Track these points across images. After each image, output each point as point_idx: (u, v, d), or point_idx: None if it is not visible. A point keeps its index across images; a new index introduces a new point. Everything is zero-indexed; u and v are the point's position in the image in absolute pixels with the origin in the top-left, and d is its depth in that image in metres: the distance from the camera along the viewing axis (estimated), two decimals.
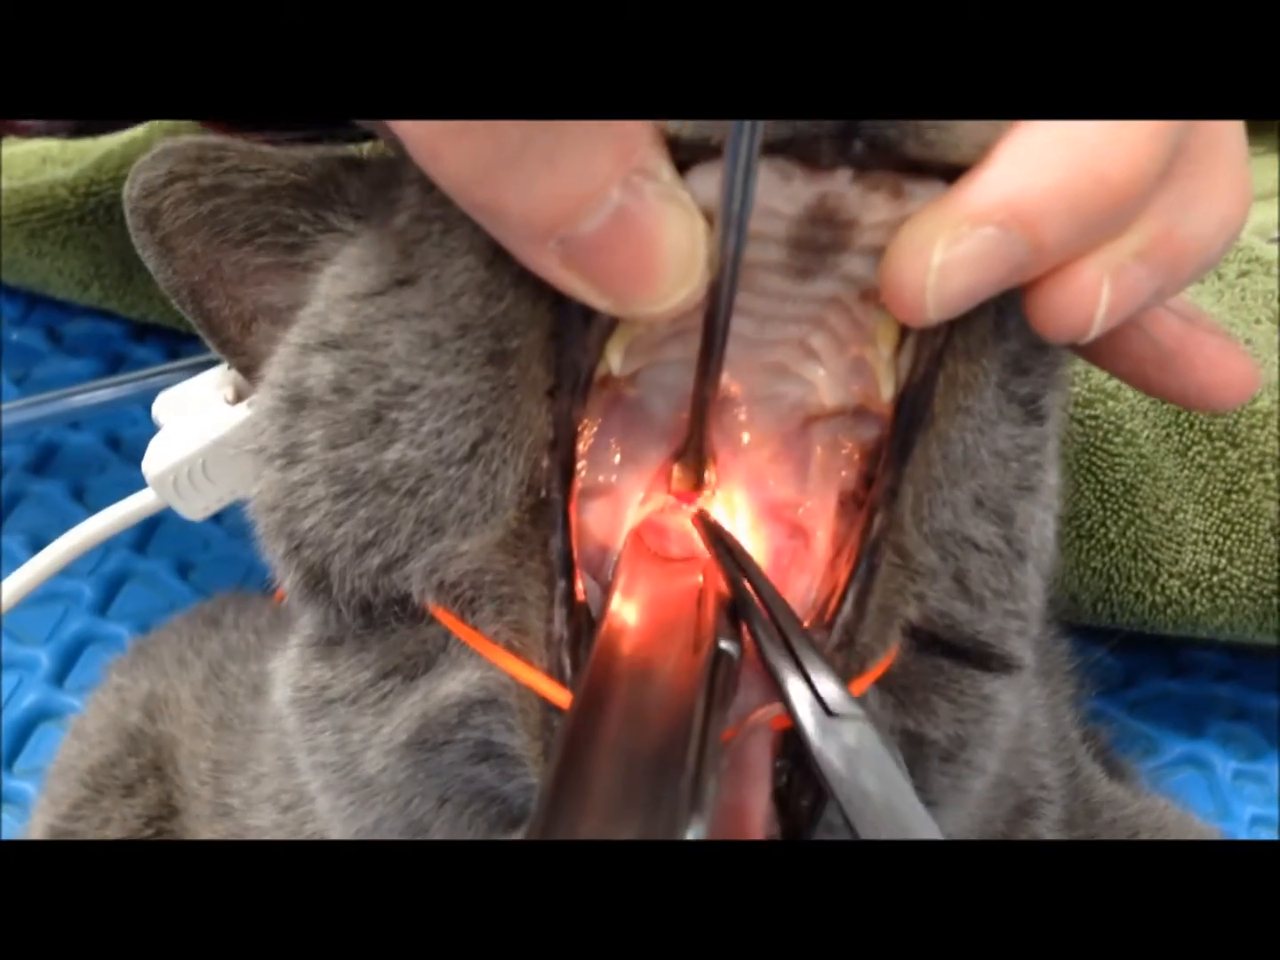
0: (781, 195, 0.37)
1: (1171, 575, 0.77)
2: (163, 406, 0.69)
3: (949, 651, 0.45)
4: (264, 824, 0.60)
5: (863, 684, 0.42)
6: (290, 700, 0.47)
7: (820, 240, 0.38)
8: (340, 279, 0.46)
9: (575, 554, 0.42)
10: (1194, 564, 0.77)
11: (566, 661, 0.41)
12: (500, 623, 0.42)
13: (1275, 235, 1.04)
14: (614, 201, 0.35)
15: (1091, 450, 0.77)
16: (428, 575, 0.42)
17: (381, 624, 0.44)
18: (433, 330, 0.42)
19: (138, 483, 0.74)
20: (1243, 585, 0.76)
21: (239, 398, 0.66)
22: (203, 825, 0.66)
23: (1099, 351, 0.45)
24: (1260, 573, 0.76)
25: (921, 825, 0.35)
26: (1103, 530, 0.77)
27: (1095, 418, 0.77)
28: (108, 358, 1.06)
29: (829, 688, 0.37)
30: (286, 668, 0.48)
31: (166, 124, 0.89)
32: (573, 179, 0.34)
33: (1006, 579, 0.45)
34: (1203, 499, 0.77)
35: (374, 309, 0.43)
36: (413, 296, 0.43)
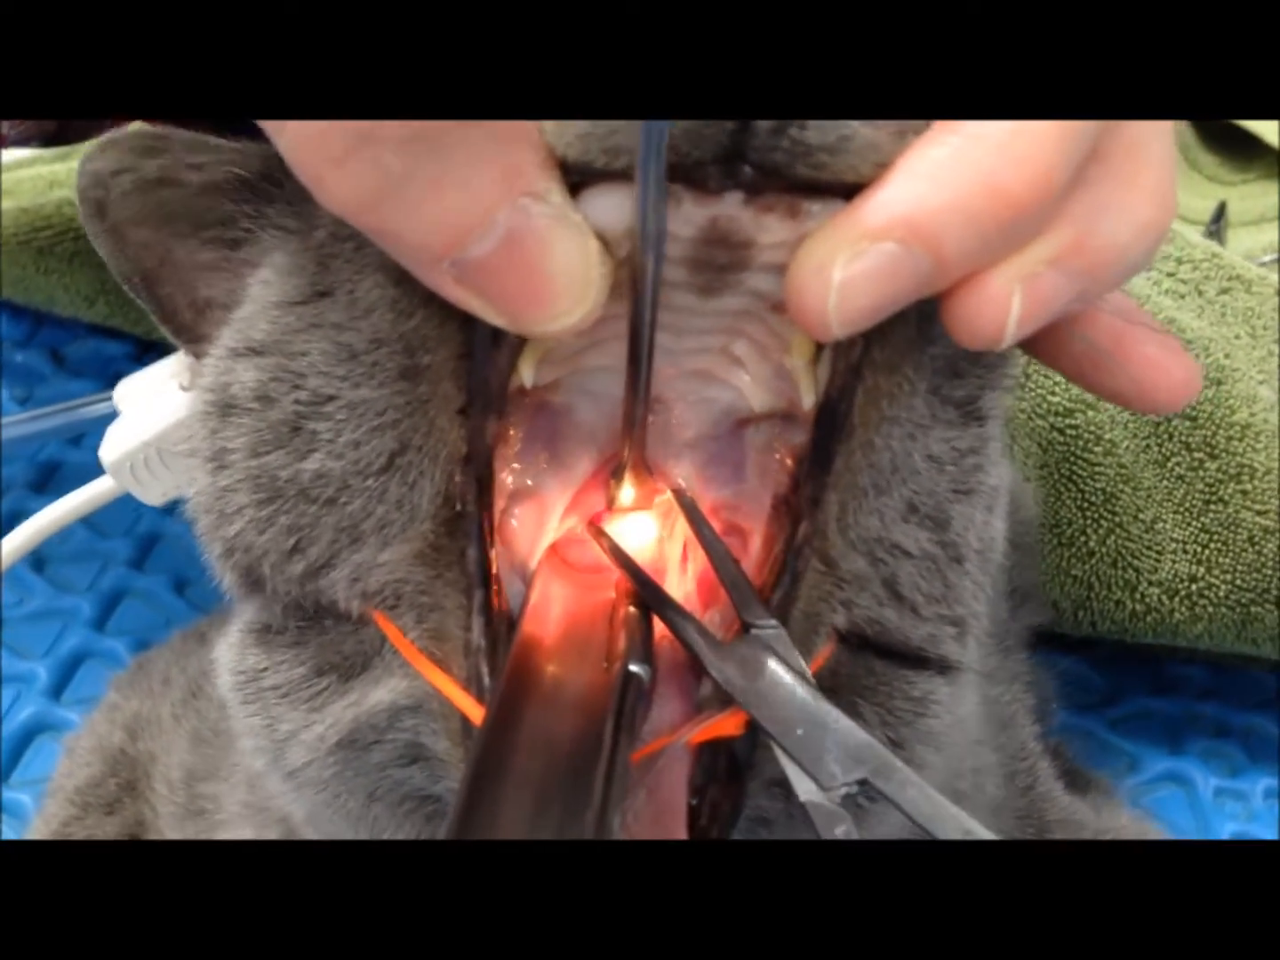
0: (673, 218, 0.37)
1: (1151, 583, 0.78)
2: (123, 393, 0.70)
3: (882, 653, 0.45)
4: (233, 809, 0.61)
5: None
6: (229, 685, 0.48)
7: (719, 260, 0.38)
8: (267, 285, 0.47)
9: (493, 565, 0.42)
10: (1173, 572, 0.77)
11: (485, 670, 0.41)
12: (419, 629, 0.43)
13: (1268, 258, 1.06)
14: (502, 225, 0.35)
15: (1072, 459, 0.78)
16: (350, 584, 0.43)
17: (317, 622, 0.45)
18: (348, 342, 0.42)
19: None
20: (1221, 594, 0.77)
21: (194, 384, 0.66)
22: (172, 827, 0.67)
23: (1040, 349, 0.45)
24: (1238, 582, 0.76)
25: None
26: (1083, 538, 0.78)
27: (1075, 427, 0.77)
28: (110, 379, 1.05)
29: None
30: (227, 653, 0.48)
31: None
32: (458, 205, 0.35)
33: (940, 583, 0.45)
34: (1182, 509, 0.77)
35: (294, 318, 0.44)
36: (330, 308, 0.43)
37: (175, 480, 0.68)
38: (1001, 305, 0.37)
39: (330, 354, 0.43)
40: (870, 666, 0.45)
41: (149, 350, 1.07)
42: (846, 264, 0.36)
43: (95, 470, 0.99)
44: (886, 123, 0.37)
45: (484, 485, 0.43)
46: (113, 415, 0.94)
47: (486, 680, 0.41)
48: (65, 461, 1.02)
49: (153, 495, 0.69)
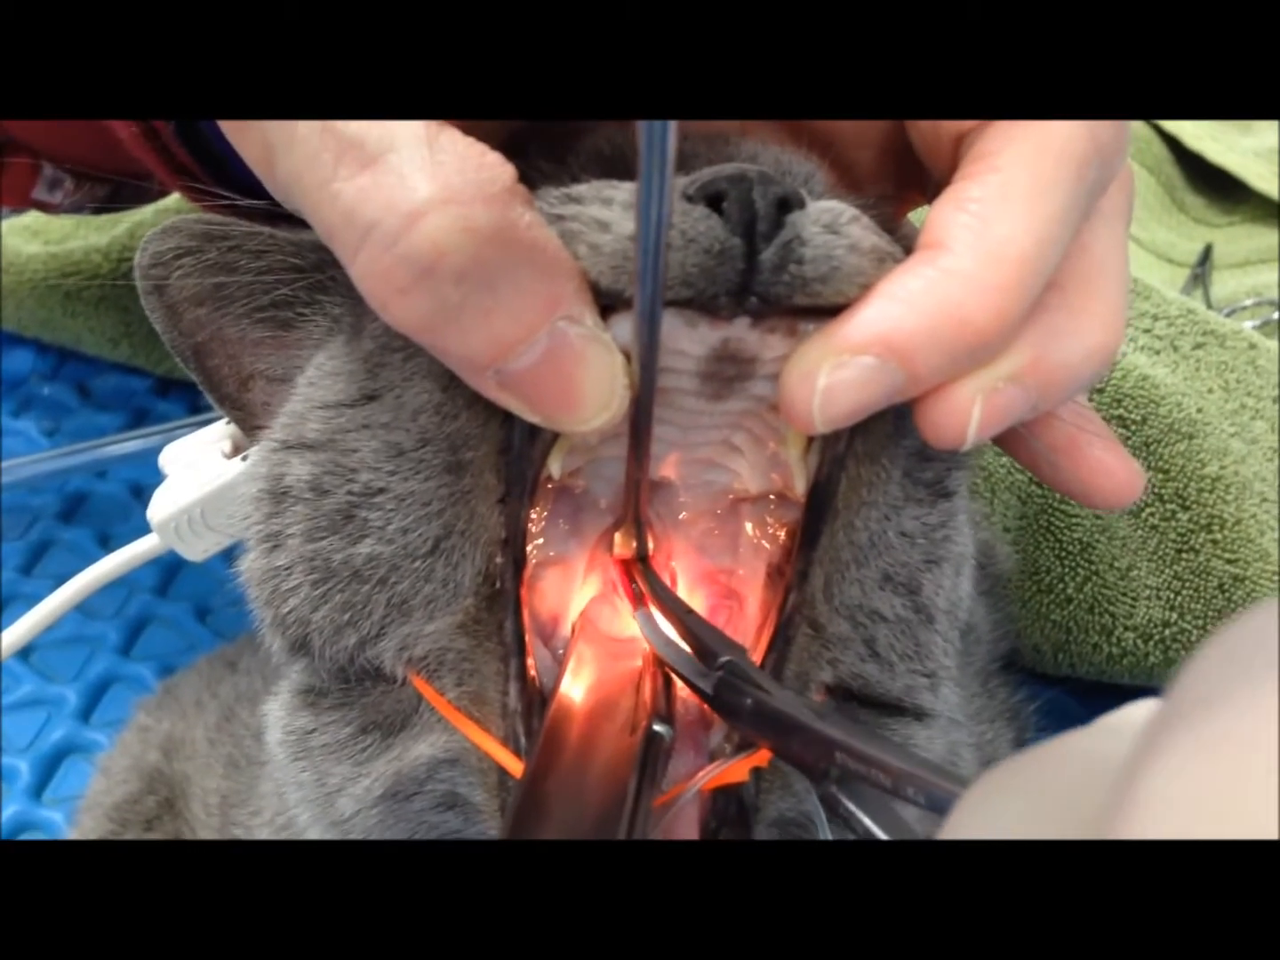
0: (688, 339, 0.43)
1: (1126, 629, 0.81)
2: (168, 458, 0.74)
3: (865, 704, 0.50)
4: (263, 835, 0.65)
5: None
6: (279, 741, 0.52)
7: (727, 373, 0.44)
8: (314, 385, 0.51)
9: (527, 636, 0.47)
10: (1147, 618, 0.81)
11: (520, 730, 0.46)
12: (458, 691, 0.47)
13: (1250, 301, 1.09)
14: (542, 343, 0.40)
15: (1050, 511, 0.82)
16: (398, 652, 0.48)
17: (359, 684, 0.49)
18: (396, 441, 0.47)
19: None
20: (1193, 639, 0.80)
21: (236, 451, 0.71)
22: None
23: (1003, 446, 0.50)
24: (1209, 627, 0.80)
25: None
26: (1061, 585, 0.82)
27: None
28: (133, 412, 1.12)
29: None
30: (278, 711, 0.53)
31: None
32: (505, 327, 0.40)
33: (913, 643, 0.50)
34: (1155, 557, 0.81)
35: (345, 419, 0.49)
36: (378, 411, 0.48)
37: (216, 538, 0.72)
38: (964, 414, 0.42)
39: (380, 451, 0.47)
40: (855, 716, 0.50)
41: (171, 386, 1.12)
42: (830, 373, 0.41)
43: (119, 502, 1.04)
44: (867, 251, 0.43)
45: (520, 565, 0.47)
46: (134, 451, 0.99)
47: (522, 740, 0.46)
48: (92, 493, 1.06)
49: (195, 552, 0.73)
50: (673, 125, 0.35)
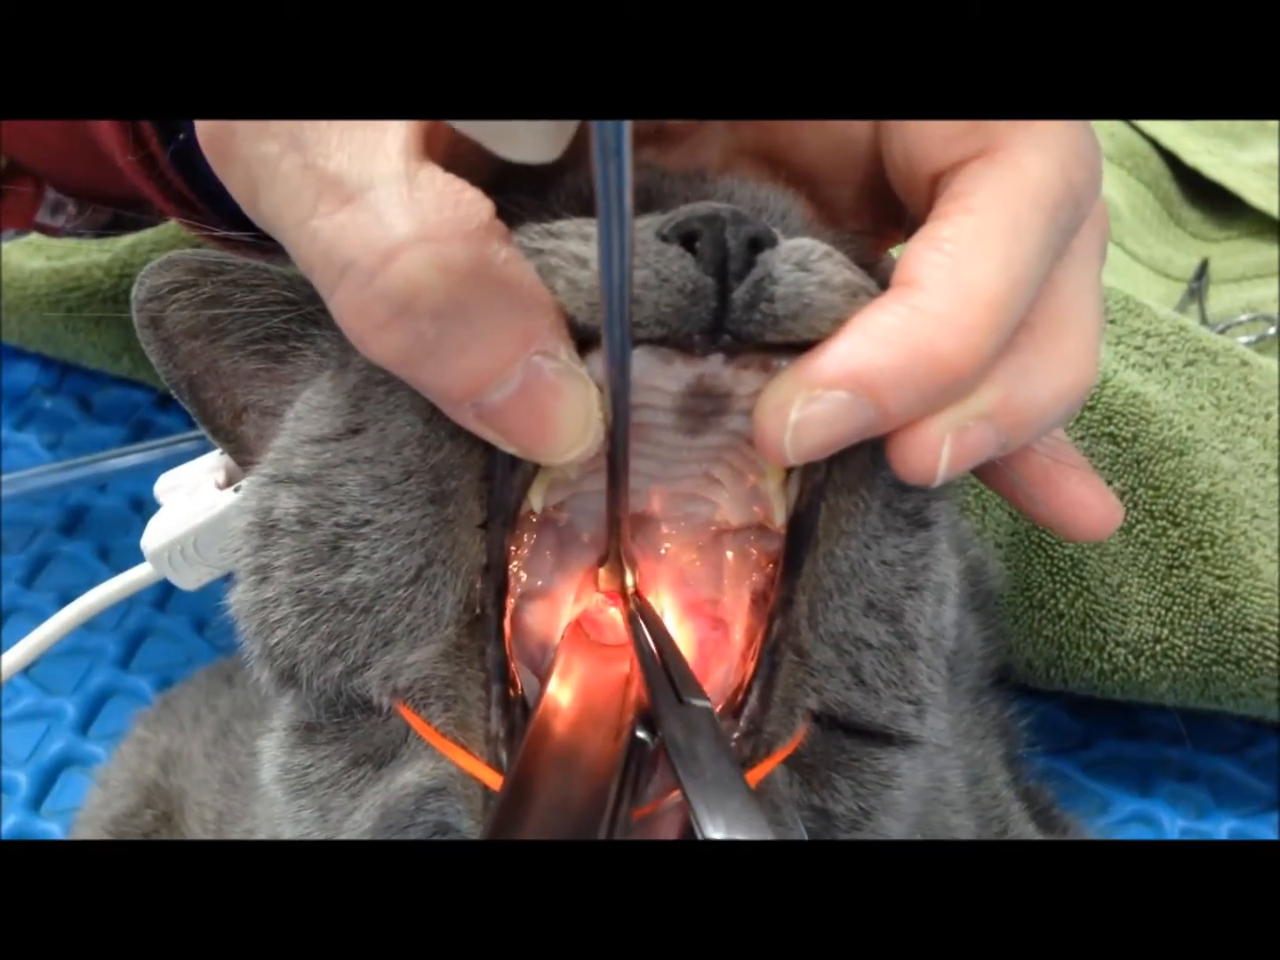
0: (664, 375, 0.44)
1: (1118, 644, 0.82)
2: (163, 487, 0.75)
3: (851, 732, 0.50)
4: None
5: (767, 766, 0.47)
6: (276, 779, 0.52)
7: (703, 409, 0.45)
8: (301, 420, 0.52)
9: (511, 661, 0.47)
10: (1138, 634, 0.81)
11: (503, 755, 0.46)
12: (444, 718, 0.48)
13: (1245, 316, 1.09)
14: (518, 377, 0.41)
15: (1040, 527, 0.82)
16: (383, 681, 0.48)
17: (348, 716, 0.50)
18: (381, 475, 0.47)
19: None
20: (1184, 654, 0.81)
21: (229, 482, 0.72)
22: None
23: (982, 479, 0.51)
24: (1200, 643, 0.80)
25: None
26: (1053, 601, 0.82)
27: None
28: (134, 425, 1.13)
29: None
30: (273, 750, 0.53)
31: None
32: (480, 362, 0.41)
33: (898, 669, 0.50)
34: (1146, 573, 0.81)
35: (330, 454, 0.49)
36: (363, 444, 0.48)
37: (208, 568, 0.73)
38: (934, 451, 0.43)
39: (366, 485, 0.48)
40: (841, 744, 0.50)
41: (172, 400, 1.11)
42: (802, 407, 0.42)
43: (120, 515, 1.05)
44: (839, 286, 0.43)
45: (501, 590, 0.48)
46: (135, 465, 0.99)
47: (505, 764, 0.46)
48: (93, 506, 1.07)
49: (188, 581, 0.74)
50: (626, 125, 0.34)
